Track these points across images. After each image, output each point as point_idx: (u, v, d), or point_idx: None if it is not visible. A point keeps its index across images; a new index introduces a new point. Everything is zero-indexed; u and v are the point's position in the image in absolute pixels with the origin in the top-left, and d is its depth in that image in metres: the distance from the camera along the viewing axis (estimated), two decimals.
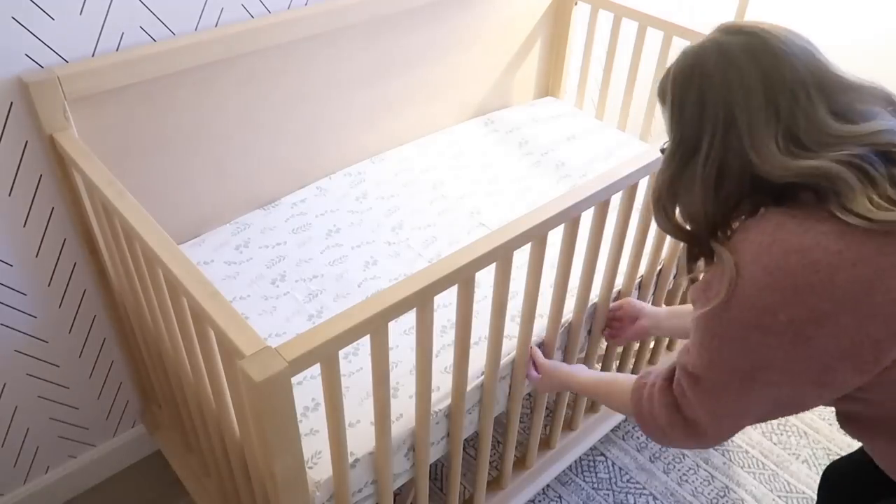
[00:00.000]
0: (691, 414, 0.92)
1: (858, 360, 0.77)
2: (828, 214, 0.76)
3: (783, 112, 0.79)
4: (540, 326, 1.33)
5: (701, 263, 0.91)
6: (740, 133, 0.80)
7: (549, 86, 2.22)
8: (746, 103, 0.80)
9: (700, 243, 0.89)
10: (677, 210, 0.90)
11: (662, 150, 0.91)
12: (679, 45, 1.91)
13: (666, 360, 1.81)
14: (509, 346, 1.30)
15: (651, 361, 1.80)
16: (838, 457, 1.79)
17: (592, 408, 1.71)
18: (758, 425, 1.88)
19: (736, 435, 1.84)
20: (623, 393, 1.07)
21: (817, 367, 0.78)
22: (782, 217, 0.79)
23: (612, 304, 1.44)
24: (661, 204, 0.90)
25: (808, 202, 0.79)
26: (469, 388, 1.23)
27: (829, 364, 0.78)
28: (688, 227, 0.90)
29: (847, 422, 0.94)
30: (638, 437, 1.84)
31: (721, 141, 0.81)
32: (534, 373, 1.31)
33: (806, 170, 0.77)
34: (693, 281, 0.91)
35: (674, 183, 0.88)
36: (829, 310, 0.74)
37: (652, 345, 1.77)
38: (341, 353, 1.27)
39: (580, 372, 1.25)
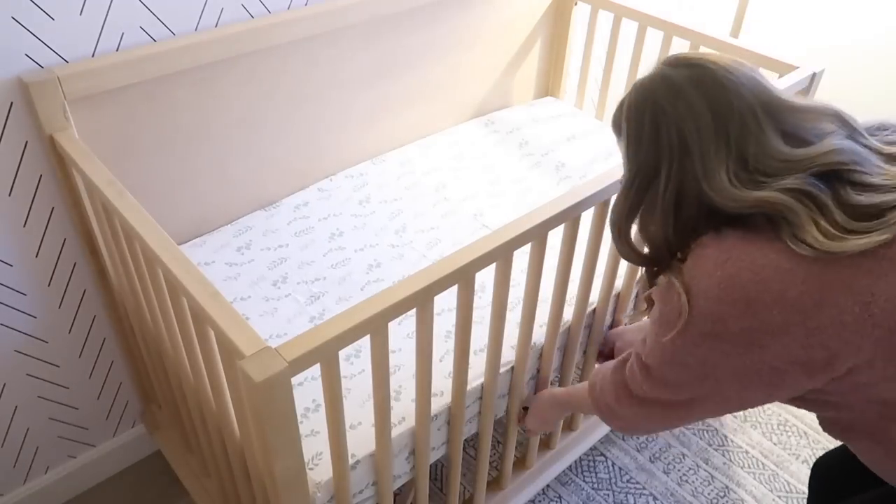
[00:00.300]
0: (639, 392, 0.97)
1: (809, 366, 0.79)
2: (779, 239, 0.79)
3: (733, 139, 0.81)
4: (540, 325, 1.33)
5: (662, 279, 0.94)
6: (694, 162, 0.82)
7: (549, 86, 2.22)
8: (698, 133, 0.82)
9: (660, 264, 0.91)
10: (636, 237, 0.93)
11: (622, 182, 0.93)
12: (679, 45, 1.92)
13: None
14: (510, 348, 1.30)
15: None
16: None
17: None
18: (758, 425, 1.88)
19: (736, 435, 1.84)
20: (589, 398, 1.13)
21: (768, 371, 0.81)
22: (738, 239, 0.81)
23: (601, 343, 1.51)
24: (623, 233, 0.93)
25: (762, 225, 0.81)
26: (469, 388, 1.23)
27: (779, 368, 0.80)
28: (647, 251, 0.92)
29: (828, 426, 0.97)
30: (638, 438, 1.84)
31: (678, 169, 0.84)
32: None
33: (754, 201, 0.79)
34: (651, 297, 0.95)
35: (633, 211, 0.90)
36: (780, 322, 0.77)
37: None
38: (343, 355, 1.28)
39: (556, 389, 1.33)
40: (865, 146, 0.83)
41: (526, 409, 1.39)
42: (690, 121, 0.82)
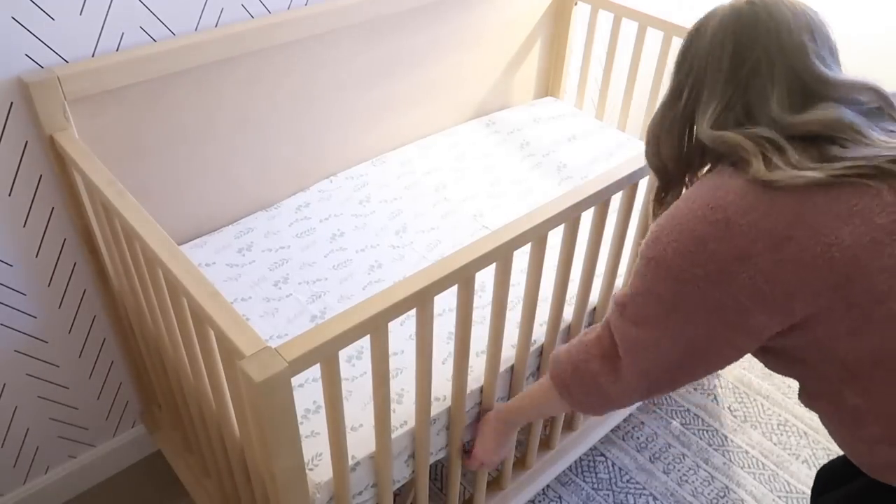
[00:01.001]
0: (609, 343, 0.97)
1: (770, 302, 0.82)
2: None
3: (742, 82, 0.86)
4: (540, 324, 1.33)
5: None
6: (703, 93, 0.89)
7: (549, 86, 2.22)
8: (715, 67, 0.87)
9: (668, 187, 0.99)
10: (660, 149, 0.99)
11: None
12: (679, 46, 1.92)
13: None
14: (510, 347, 1.30)
15: None
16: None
17: None
18: (758, 425, 1.88)
19: (736, 435, 1.84)
20: (545, 380, 1.10)
21: (733, 306, 0.83)
22: (734, 171, 0.86)
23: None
24: (649, 140, 0.99)
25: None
26: (470, 390, 1.23)
27: (743, 304, 0.82)
28: (662, 167, 0.99)
29: (800, 393, 0.99)
30: (637, 437, 1.84)
31: (694, 98, 0.90)
32: (468, 460, 1.31)
33: (715, 137, 0.86)
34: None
35: (660, 124, 0.96)
36: (751, 250, 0.80)
37: None
38: (344, 356, 1.28)
39: (498, 405, 1.27)
40: (889, 118, 0.86)
41: (467, 450, 1.32)
42: (715, 55, 0.87)
